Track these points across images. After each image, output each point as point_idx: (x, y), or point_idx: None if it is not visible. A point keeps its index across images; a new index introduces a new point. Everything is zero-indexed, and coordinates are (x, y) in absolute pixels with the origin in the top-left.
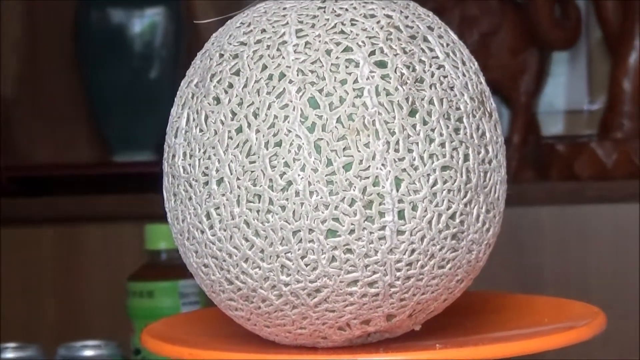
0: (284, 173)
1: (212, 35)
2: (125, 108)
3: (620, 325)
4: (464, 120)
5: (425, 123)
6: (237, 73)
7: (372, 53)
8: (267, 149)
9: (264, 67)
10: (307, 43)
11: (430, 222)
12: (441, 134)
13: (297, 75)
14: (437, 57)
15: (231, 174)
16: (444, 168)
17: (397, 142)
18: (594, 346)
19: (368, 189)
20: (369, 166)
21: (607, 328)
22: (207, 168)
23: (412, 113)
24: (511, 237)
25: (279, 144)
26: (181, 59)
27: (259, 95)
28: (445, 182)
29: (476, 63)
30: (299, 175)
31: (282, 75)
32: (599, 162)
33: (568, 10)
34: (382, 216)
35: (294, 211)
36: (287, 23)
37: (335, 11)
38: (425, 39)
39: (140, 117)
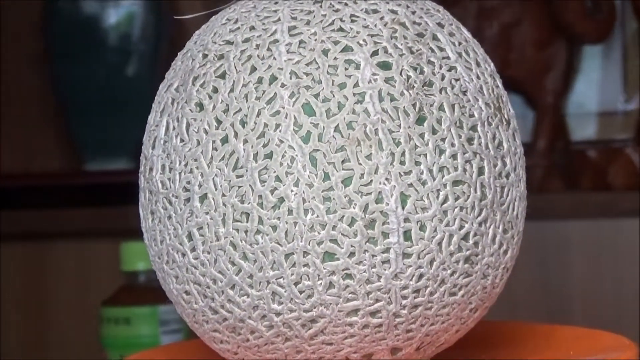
0: (275, 189)
1: (195, 31)
2: (99, 109)
3: None
4: (479, 128)
5: (434, 132)
6: (223, 76)
7: (375, 53)
8: (257, 162)
9: (253, 69)
10: (301, 42)
11: (440, 244)
12: (452, 145)
13: (290, 78)
14: (448, 58)
15: (216, 189)
16: (456, 183)
17: (403, 154)
18: None
19: (370, 206)
20: (371, 181)
21: None
22: (188, 183)
23: (420, 121)
24: (534, 256)
25: (269, 156)
26: (162, 55)
27: (247, 100)
28: (457, 198)
29: (492, 64)
30: (292, 191)
31: (274, 79)
32: (635, 170)
33: None
34: (385, 237)
35: (286, 231)
36: (279, 19)
37: (333, 6)
38: (435, 37)
39: (116, 120)
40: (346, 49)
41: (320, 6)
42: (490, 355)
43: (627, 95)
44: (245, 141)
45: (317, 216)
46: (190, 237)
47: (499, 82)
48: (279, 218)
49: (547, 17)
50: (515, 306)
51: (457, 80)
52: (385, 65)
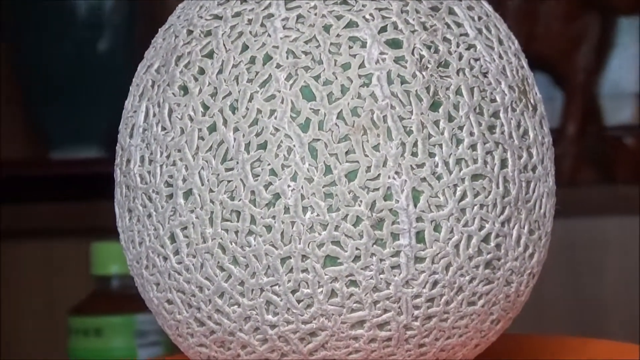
0: (270, 183)
1: (179, 4)
2: (66, 91)
3: None
4: (501, 115)
5: (451, 119)
6: (210, 55)
7: (383, 29)
8: (249, 153)
9: (245, 48)
10: (299, 16)
11: (457, 246)
12: (471, 134)
13: (287, 57)
14: (466, 35)
15: (202, 184)
16: (475, 177)
17: (415, 144)
18: None
19: (378, 203)
20: (379, 174)
21: None
22: (171, 177)
23: (435, 106)
24: (564, 258)
25: (263, 146)
26: (140, 30)
27: (237, 83)
28: (476, 194)
29: (516, 42)
30: (288, 186)
31: (268, 58)
32: None
33: None
34: (395, 239)
35: (282, 232)
36: None
37: None
38: (452, 11)
39: (85, 103)
40: (350, 25)
41: None
42: None
43: None
44: (236, 129)
45: (318, 215)
46: (173, 238)
47: (524, 62)
48: (274, 217)
49: None
50: (542, 316)
51: (476, 60)
52: (394, 43)
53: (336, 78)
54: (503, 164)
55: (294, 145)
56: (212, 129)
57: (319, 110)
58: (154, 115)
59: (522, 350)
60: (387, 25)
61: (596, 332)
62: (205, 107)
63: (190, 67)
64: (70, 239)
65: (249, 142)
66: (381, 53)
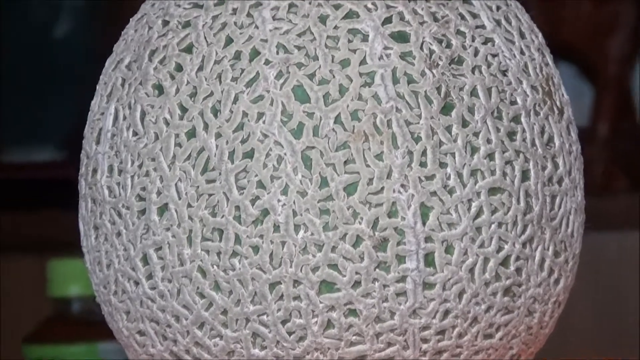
0: (258, 198)
1: None
2: (18, 83)
3: None
4: (522, 119)
5: (465, 124)
6: (189, 50)
7: (388, 20)
8: (233, 162)
9: (229, 41)
10: (291, 5)
11: (471, 271)
12: (489, 141)
13: (277, 53)
14: (482, 27)
15: (179, 198)
16: (493, 191)
17: (424, 153)
18: None
19: (381, 221)
20: (383, 188)
21: None
22: (143, 189)
23: (446, 110)
24: (592, 276)
25: (249, 155)
26: (104, 12)
27: (220, 82)
28: (494, 211)
29: (540, 35)
30: (279, 200)
31: (255, 54)
32: None
33: None
34: (401, 262)
35: (271, 254)
36: None
37: None
38: (466, 0)
39: (41, 99)
40: (350, 15)
41: None
42: None
43: None
44: (219, 135)
45: (312, 234)
46: (145, 260)
47: (549, 59)
48: (261, 236)
49: None
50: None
51: (494, 56)
52: (401, 37)
53: (333, 77)
54: (524, 175)
55: (285, 154)
56: (191, 134)
57: (313, 113)
58: (124, 118)
59: None
60: (392, 15)
61: (633, 353)
62: (183, 110)
63: (166, 63)
64: (23, 255)
65: (233, 149)
66: (385, 48)
